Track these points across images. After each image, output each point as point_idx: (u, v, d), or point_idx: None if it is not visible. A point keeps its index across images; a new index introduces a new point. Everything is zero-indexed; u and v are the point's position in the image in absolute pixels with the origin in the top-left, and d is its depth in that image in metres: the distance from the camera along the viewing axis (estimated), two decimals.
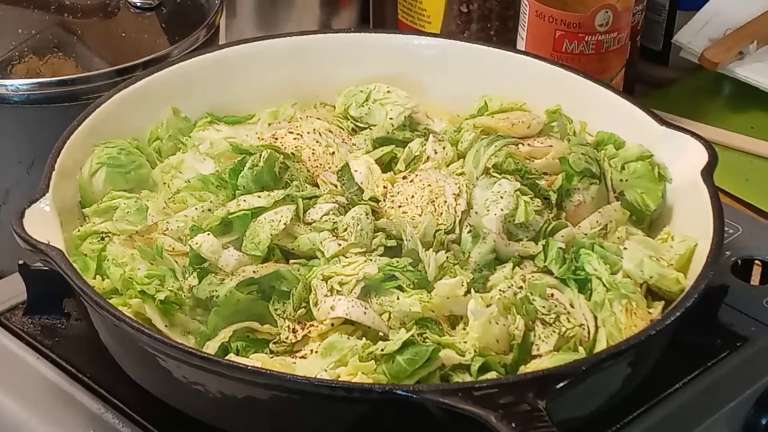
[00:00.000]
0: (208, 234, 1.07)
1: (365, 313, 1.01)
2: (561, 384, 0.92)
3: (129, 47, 1.34)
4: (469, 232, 1.08)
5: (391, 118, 1.22)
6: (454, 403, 0.90)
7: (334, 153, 1.18)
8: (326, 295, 1.02)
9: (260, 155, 1.13)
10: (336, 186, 1.15)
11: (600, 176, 1.16)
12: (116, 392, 1.06)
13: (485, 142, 1.16)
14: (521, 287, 1.05)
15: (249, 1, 1.57)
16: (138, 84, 1.21)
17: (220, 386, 0.95)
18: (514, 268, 1.07)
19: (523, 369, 0.99)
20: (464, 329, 1.02)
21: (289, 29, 1.49)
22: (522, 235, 1.10)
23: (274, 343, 1.02)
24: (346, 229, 1.08)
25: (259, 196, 1.10)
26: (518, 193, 1.11)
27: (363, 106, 1.24)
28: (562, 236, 1.10)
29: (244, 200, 1.10)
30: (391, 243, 1.07)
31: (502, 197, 1.10)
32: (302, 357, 1.00)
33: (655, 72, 1.67)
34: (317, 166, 1.17)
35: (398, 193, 1.13)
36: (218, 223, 1.07)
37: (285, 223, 1.07)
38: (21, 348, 1.10)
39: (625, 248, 1.09)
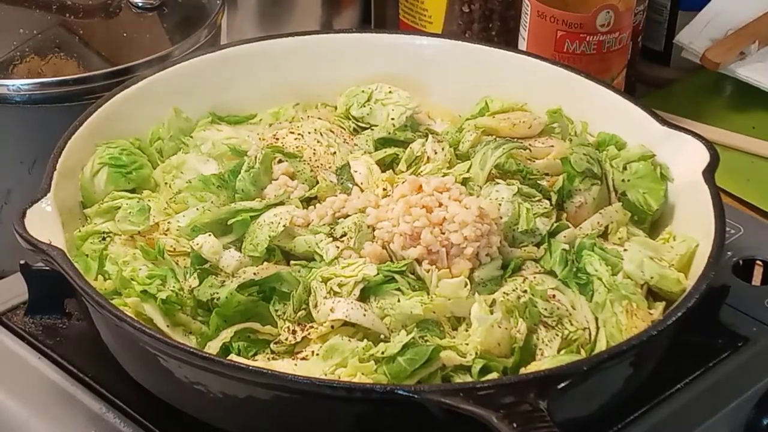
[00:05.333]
0: (209, 235, 1.07)
1: (365, 315, 1.01)
2: (562, 384, 0.92)
3: (130, 47, 1.34)
4: None
5: (392, 119, 1.22)
6: (456, 403, 0.90)
7: (335, 153, 1.18)
8: (325, 297, 1.02)
9: (255, 157, 1.13)
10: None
11: (601, 177, 1.16)
12: (117, 392, 1.06)
13: (493, 144, 1.16)
14: (525, 291, 1.04)
15: (250, 1, 1.57)
16: (139, 84, 1.21)
17: (221, 386, 0.95)
18: (517, 271, 1.07)
19: (524, 370, 0.99)
20: (466, 330, 1.01)
21: (290, 29, 1.48)
22: (528, 241, 1.09)
23: (275, 343, 1.02)
24: (345, 234, 1.07)
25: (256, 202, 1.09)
26: (518, 198, 1.10)
27: (364, 106, 1.24)
28: (564, 236, 1.10)
29: (242, 206, 1.09)
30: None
31: (500, 204, 1.10)
32: (303, 358, 1.00)
33: (657, 72, 1.67)
34: (318, 166, 1.17)
35: None
36: (219, 223, 1.08)
37: (284, 225, 1.07)
38: (22, 348, 1.11)
39: (625, 249, 1.09)
